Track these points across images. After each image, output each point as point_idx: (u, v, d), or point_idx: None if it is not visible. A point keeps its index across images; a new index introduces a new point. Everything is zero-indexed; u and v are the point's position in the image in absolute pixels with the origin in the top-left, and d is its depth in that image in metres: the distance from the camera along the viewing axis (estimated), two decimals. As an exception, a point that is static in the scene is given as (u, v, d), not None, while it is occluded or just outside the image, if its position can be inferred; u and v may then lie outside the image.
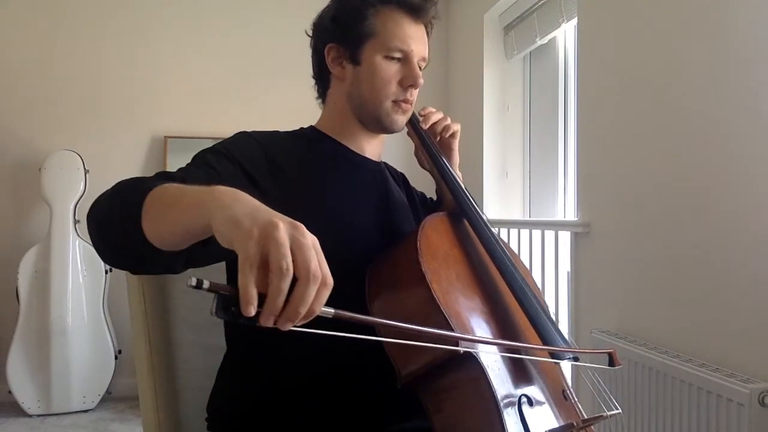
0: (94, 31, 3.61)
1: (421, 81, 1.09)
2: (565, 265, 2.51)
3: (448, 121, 1.23)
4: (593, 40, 2.32)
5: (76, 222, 3.36)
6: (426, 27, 1.13)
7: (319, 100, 1.19)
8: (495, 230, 1.13)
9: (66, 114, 3.57)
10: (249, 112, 3.71)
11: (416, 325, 0.92)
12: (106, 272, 3.38)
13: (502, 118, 3.37)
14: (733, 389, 1.50)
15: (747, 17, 1.60)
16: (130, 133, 3.65)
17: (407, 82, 1.09)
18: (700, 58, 1.76)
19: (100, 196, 0.83)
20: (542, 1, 2.86)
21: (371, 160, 1.17)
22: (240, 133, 1.08)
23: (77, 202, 3.38)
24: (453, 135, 1.23)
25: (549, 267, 2.64)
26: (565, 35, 2.86)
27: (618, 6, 2.17)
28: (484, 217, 1.11)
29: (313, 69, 1.17)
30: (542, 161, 3.14)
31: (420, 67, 1.11)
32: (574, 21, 2.54)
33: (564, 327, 2.55)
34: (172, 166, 3.74)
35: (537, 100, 3.23)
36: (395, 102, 1.09)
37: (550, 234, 2.64)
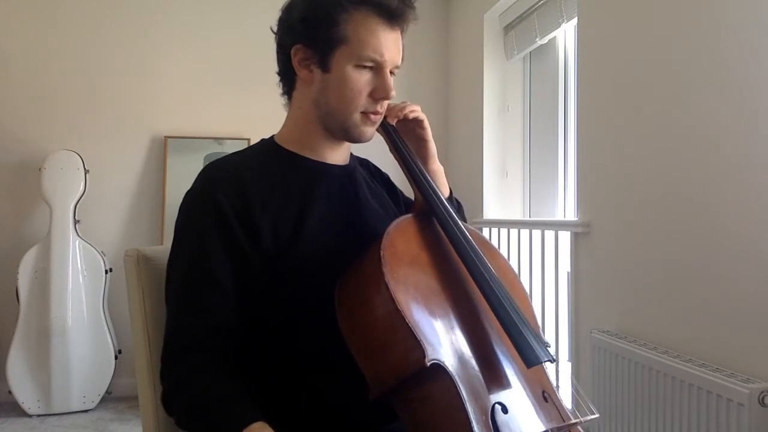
0: (94, 31, 3.61)
1: (393, 93, 1.04)
2: (565, 265, 2.51)
3: (411, 106, 1.17)
4: (593, 40, 2.32)
5: (76, 222, 3.36)
6: (402, 31, 1.06)
7: (285, 98, 1.13)
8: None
9: (66, 114, 3.57)
10: (248, 112, 3.70)
11: (382, 336, 0.90)
12: (106, 272, 3.38)
13: (502, 118, 3.37)
14: (733, 389, 1.50)
15: (747, 17, 1.60)
16: (130, 133, 3.64)
17: (378, 94, 1.04)
18: (701, 58, 1.76)
19: (180, 396, 0.97)
20: (542, 1, 2.86)
21: (336, 165, 1.13)
22: (196, 201, 1.04)
23: (77, 202, 3.38)
24: (420, 125, 1.18)
25: (549, 267, 2.64)
26: (565, 35, 2.86)
27: (618, 6, 2.17)
28: (454, 213, 1.07)
29: (278, 66, 1.11)
30: (542, 161, 3.14)
31: (392, 73, 1.06)
32: (574, 21, 2.54)
33: (564, 327, 2.54)
34: (172, 166, 3.72)
35: (537, 100, 3.23)
36: (364, 113, 1.05)
37: (550, 234, 2.64)
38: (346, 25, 1.01)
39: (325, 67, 1.03)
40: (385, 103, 1.07)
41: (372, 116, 1.06)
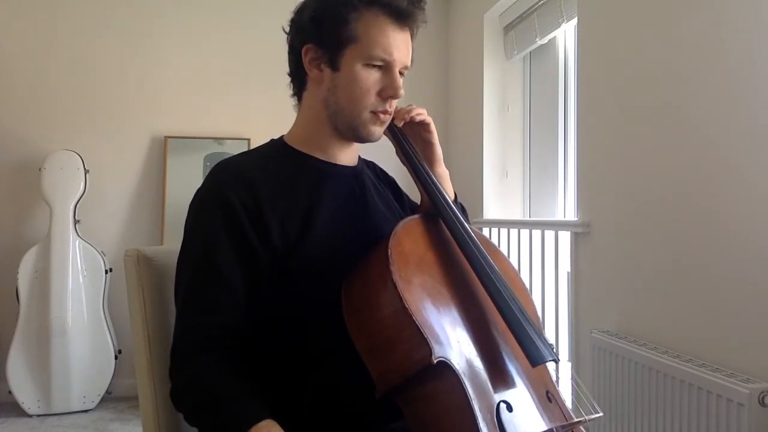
0: (94, 31, 3.61)
1: (402, 92, 1.05)
2: (565, 265, 2.51)
3: (417, 109, 1.17)
4: (593, 40, 2.32)
5: (76, 222, 3.36)
6: (411, 32, 1.08)
7: (294, 99, 1.15)
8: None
9: (66, 114, 3.57)
10: (248, 112, 3.71)
11: (389, 334, 0.91)
12: (106, 272, 3.38)
13: (502, 118, 3.37)
14: (733, 389, 1.50)
15: (747, 17, 1.60)
16: (130, 133, 3.65)
17: (387, 93, 1.04)
18: (701, 58, 1.76)
19: (187, 395, 0.98)
20: (542, 1, 2.86)
21: (344, 166, 1.14)
22: (206, 200, 1.04)
23: (77, 202, 3.38)
24: (426, 128, 1.17)
25: (549, 267, 2.64)
26: (565, 35, 2.86)
27: (618, 6, 2.17)
28: (460, 215, 1.08)
29: (289, 66, 1.12)
30: (542, 161, 3.14)
31: (402, 74, 1.07)
32: (574, 21, 2.54)
33: (564, 327, 2.55)
34: (172, 166, 3.72)
35: (537, 100, 3.23)
36: (374, 113, 1.05)
37: (550, 234, 2.64)
38: (356, 24, 1.02)
39: (334, 66, 1.04)
40: (394, 102, 1.07)
41: (381, 115, 1.06)
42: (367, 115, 1.06)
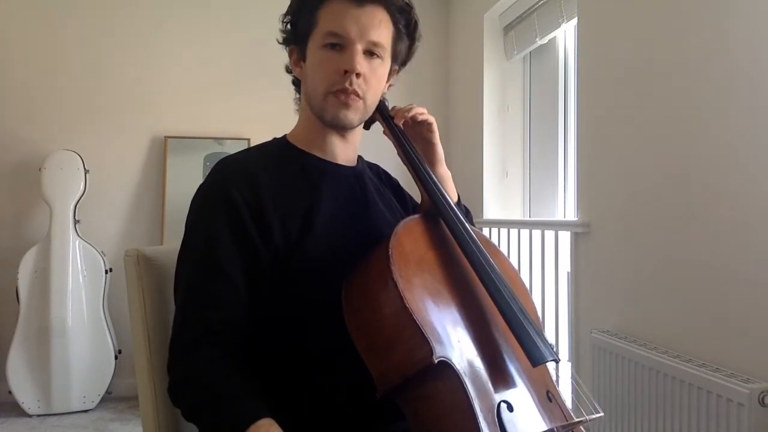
0: (94, 31, 3.61)
1: (358, 66, 1.02)
2: (565, 265, 2.51)
3: (418, 109, 1.16)
4: (593, 40, 2.32)
5: (76, 222, 3.37)
6: (387, 8, 1.06)
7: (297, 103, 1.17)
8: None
9: (66, 114, 3.57)
10: (248, 112, 3.71)
11: (390, 334, 0.91)
12: (106, 272, 3.38)
13: (502, 118, 3.37)
14: (733, 389, 1.50)
15: (747, 15, 1.60)
16: (130, 133, 3.65)
17: (342, 67, 1.02)
18: (701, 58, 1.76)
19: (187, 392, 0.97)
20: (542, 1, 2.86)
21: (344, 165, 1.14)
22: (208, 195, 1.04)
23: (77, 202, 3.39)
24: (428, 128, 1.17)
25: (549, 267, 2.64)
26: (565, 35, 2.86)
27: (618, 6, 2.17)
28: (461, 215, 1.07)
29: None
30: (542, 161, 3.14)
31: (376, 54, 1.05)
32: (574, 21, 2.54)
33: (564, 327, 2.55)
34: (172, 166, 3.72)
35: (537, 100, 3.23)
36: (334, 93, 1.04)
37: (550, 234, 2.64)
38: (318, 12, 1.05)
39: (304, 58, 1.08)
40: (358, 80, 1.04)
41: (342, 96, 1.04)
42: (326, 96, 1.05)
